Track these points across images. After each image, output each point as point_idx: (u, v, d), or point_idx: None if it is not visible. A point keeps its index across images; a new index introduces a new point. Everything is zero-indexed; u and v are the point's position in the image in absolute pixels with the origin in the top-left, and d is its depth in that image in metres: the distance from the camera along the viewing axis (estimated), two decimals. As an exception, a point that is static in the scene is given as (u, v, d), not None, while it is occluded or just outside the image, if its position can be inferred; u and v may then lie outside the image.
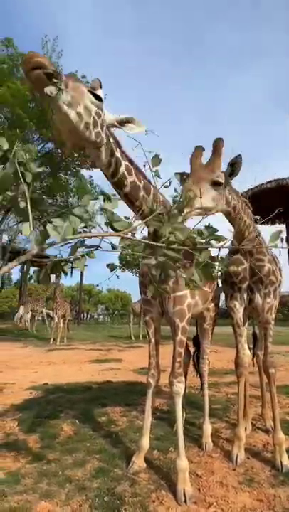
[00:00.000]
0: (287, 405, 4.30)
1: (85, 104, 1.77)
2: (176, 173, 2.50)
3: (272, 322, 2.94)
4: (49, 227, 1.22)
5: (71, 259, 1.28)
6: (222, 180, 2.24)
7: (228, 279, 2.90)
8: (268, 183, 10.59)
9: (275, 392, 2.89)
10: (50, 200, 15.15)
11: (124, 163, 2.12)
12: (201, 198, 2.07)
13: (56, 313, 12.97)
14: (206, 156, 2.32)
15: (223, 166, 2.35)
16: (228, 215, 2.51)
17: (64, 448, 2.96)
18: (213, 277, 1.47)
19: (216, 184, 2.22)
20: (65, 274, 1.35)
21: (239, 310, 2.93)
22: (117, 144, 2.14)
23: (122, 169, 2.10)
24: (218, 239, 1.39)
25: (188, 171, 2.30)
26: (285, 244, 1.48)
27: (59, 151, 13.55)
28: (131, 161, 2.22)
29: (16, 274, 44.56)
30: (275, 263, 2.94)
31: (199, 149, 2.27)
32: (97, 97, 1.84)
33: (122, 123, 2.02)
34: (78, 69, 12.82)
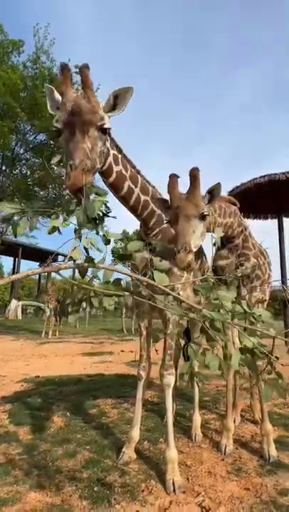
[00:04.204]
0: (276, 397, 4.38)
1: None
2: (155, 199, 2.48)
3: None
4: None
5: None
6: (207, 212, 2.20)
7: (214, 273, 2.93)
8: (261, 177, 10.59)
9: (262, 384, 2.94)
10: (42, 193, 14.96)
11: (111, 152, 2.08)
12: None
13: (48, 307, 12.92)
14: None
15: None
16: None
17: (55, 439, 2.97)
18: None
19: (202, 218, 2.17)
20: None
21: None
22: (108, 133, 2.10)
23: (110, 159, 2.07)
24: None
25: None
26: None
27: (51, 142, 13.35)
28: (119, 149, 2.18)
29: (7, 268, 44.09)
30: (263, 257, 2.97)
31: (174, 178, 2.21)
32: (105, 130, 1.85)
33: (113, 106, 1.93)
34: (71, 58, 12.59)
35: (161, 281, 1.23)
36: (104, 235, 1.27)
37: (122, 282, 1.26)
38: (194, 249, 2.09)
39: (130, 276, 1.26)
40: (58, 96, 1.94)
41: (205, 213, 2.16)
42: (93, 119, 1.77)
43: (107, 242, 1.27)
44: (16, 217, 1.21)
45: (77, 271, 1.29)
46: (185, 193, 2.19)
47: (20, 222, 1.19)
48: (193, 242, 2.06)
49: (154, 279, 1.24)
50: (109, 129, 1.88)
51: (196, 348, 1.21)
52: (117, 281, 1.23)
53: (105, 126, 1.83)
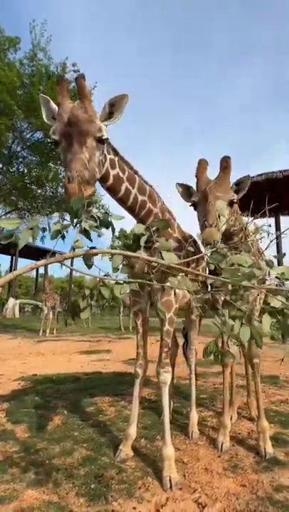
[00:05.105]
0: (273, 395, 4.41)
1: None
2: (177, 184, 2.49)
3: (256, 313, 2.98)
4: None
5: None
6: (236, 200, 2.24)
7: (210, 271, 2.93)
8: (258, 176, 10.61)
9: (259, 381, 2.95)
10: (39, 191, 14.89)
11: (108, 157, 2.08)
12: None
13: (46, 305, 12.91)
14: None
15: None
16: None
17: (52, 437, 2.97)
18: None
19: (230, 204, 2.21)
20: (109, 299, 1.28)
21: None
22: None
23: (107, 164, 2.07)
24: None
25: (189, 181, 2.31)
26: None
27: (48, 140, 13.27)
28: (115, 152, 2.18)
29: (4, 266, 43.97)
30: (260, 256, 2.98)
31: (203, 162, 2.23)
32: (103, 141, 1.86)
33: (109, 115, 1.92)
34: (70, 56, 12.50)
35: (171, 260, 1.21)
36: (106, 213, 1.26)
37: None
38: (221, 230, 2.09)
39: (139, 257, 1.23)
40: (53, 105, 1.95)
41: (234, 200, 2.17)
42: (91, 130, 1.77)
43: (106, 225, 1.25)
44: (16, 232, 1.20)
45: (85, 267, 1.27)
46: (214, 179, 2.20)
47: (20, 236, 1.18)
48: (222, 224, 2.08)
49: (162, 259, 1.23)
50: (107, 139, 1.88)
51: (222, 320, 1.11)
52: (128, 265, 1.22)
53: (104, 137, 1.84)
